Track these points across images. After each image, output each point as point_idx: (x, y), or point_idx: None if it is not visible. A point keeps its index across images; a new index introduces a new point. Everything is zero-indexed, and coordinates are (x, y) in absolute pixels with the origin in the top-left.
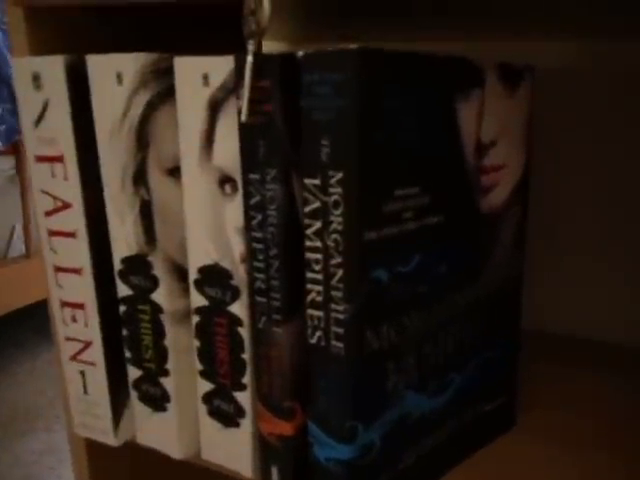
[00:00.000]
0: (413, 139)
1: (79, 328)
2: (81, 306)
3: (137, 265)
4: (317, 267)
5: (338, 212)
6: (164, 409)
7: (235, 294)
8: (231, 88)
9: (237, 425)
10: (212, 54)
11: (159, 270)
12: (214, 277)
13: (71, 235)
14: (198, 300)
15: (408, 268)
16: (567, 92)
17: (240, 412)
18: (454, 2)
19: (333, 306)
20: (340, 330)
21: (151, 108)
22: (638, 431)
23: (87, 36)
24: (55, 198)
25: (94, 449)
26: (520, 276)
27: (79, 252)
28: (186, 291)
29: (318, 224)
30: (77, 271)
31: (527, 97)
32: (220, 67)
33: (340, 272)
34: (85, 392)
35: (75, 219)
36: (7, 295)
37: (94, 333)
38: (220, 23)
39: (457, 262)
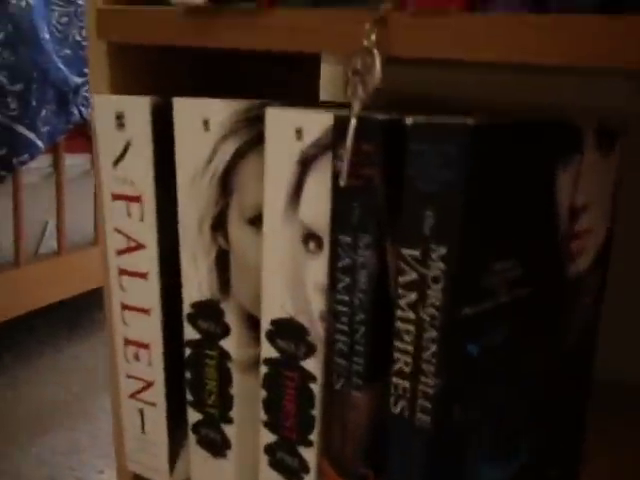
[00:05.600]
0: (513, 209)
1: (142, 367)
2: (146, 346)
3: (208, 311)
4: (408, 338)
5: (437, 287)
6: (223, 455)
7: (310, 350)
8: (325, 145)
9: None
10: (296, 91)
11: (231, 318)
12: (288, 331)
13: (142, 276)
14: (269, 351)
15: (497, 340)
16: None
17: (304, 468)
18: None
19: (422, 378)
20: (428, 404)
21: (238, 157)
22: None
23: (170, 73)
24: (129, 238)
25: None
26: (596, 337)
27: (149, 293)
28: (256, 340)
29: (413, 296)
30: (145, 311)
31: (618, 157)
32: (316, 123)
33: (434, 347)
34: (143, 431)
35: (148, 260)
36: (36, 292)
37: (157, 373)
38: (304, 66)
39: (540, 329)
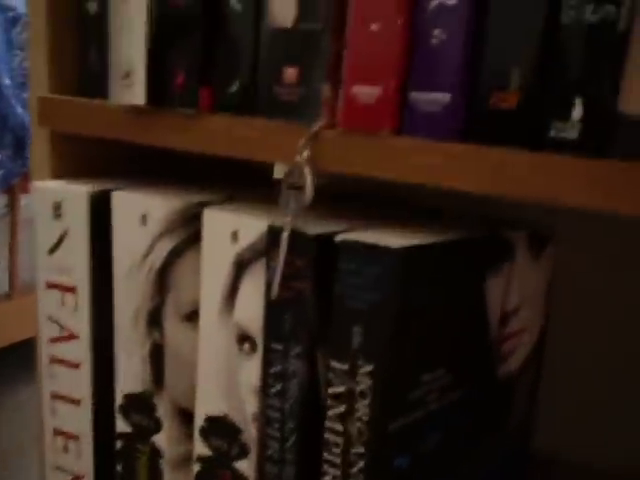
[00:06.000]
0: (442, 322)
1: (71, 459)
2: (76, 437)
3: (140, 404)
4: (336, 450)
5: (365, 402)
6: None
7: (243, 451)
8: (260, 250)
9: None
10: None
11: (163, 414)
12: (221, 429)
13: (74, 366)
14: (202, 449)
15: (428, 447)
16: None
17: None
18: None
19: None
20: None
21: (174, 254)
22: None
23: (116, 158)
24: (62, 327)
25: None
26: (529, 431)
27: (80, 383)
28: (189, 436)
29: (341, 408)
30: (76, 402)
31: (550, 259)
32: (251, 227)
33: (361, 463)
34: None
35: (81, 351)
36: None
37: (87, 466)
38: None
39: (473, 430)
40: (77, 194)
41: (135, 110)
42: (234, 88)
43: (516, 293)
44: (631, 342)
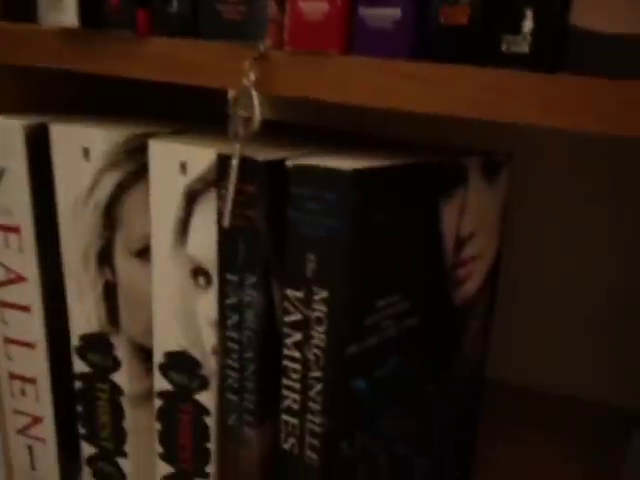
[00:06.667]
0: (397, 248)
1: (29, 402)
2: (32, 380)
3: (97, 343)
4: (295, 376)
5: (321, 329)
6: None
7: (203, 383)
8: (210, 181)
9: None
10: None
11: (121, 352)
12: (181, 364)
13: (25, 309)
14: (162, 384)
15: (385, 372)
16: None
17: None
18: None
19: (309, 417)
20: (315, 442)
21: (121, 189)
22: None
23: (51, 91)
24: (8, 269)
25: None
26: (484, 356)
27: (33, 326)
28: (149, 372)
29: (298, 336)
30: (30, 345)
31: (504, 185)
32: (200, 158)
33: (319, 386)
34: (33, 467)
35: (30, 293)
36: None
37: (45, 409)
38: None
39: (429, 355)
40: (11, 128)
41: (67, 33)
42: (174, 8)
43: (471, 219)
44: (584, 266)
